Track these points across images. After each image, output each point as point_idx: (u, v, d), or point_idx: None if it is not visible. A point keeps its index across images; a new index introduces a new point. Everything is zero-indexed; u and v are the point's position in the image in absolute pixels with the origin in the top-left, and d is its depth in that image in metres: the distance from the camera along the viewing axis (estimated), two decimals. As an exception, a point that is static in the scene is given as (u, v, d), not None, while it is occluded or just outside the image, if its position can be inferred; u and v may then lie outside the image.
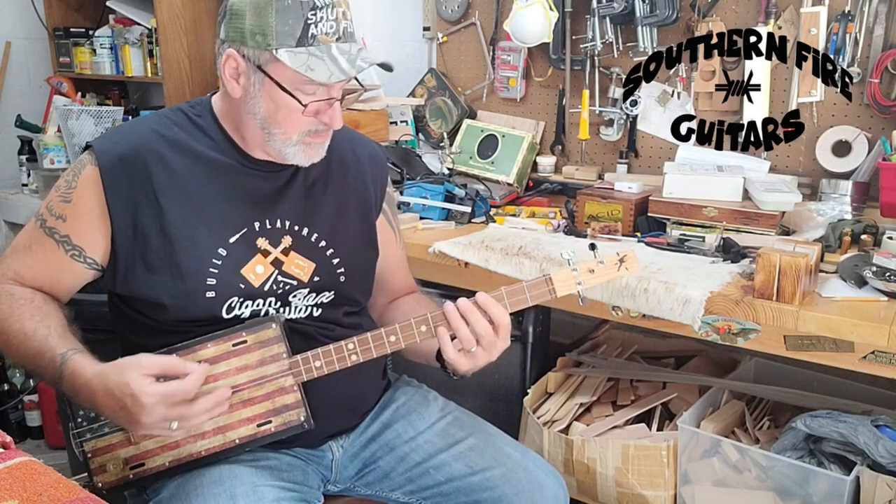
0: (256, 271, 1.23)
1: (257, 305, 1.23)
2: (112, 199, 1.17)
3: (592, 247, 1.19)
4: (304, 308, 1.28)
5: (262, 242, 1.23)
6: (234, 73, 1.16)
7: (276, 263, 1.24)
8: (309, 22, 1.11)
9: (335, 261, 1.30)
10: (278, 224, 1.25)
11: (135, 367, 1.05)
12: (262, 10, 1.11)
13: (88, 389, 1.07)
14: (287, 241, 1.26)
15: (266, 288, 1.23)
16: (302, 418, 1.19)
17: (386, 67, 1.20)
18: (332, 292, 1.30)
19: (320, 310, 1.29)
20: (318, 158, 1.23)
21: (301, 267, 1.26)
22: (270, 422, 1.19)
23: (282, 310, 1.25)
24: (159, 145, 1.21)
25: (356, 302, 1.36)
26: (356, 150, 1.38)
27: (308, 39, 1.11)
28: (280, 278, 1.24)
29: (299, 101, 1.15)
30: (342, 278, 1.31)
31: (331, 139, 1.30)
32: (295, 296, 1.26)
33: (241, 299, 1.22)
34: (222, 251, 1.21)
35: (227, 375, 1.17)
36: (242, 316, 1.22)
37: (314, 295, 1.28)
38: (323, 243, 1.29)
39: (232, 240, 1.21)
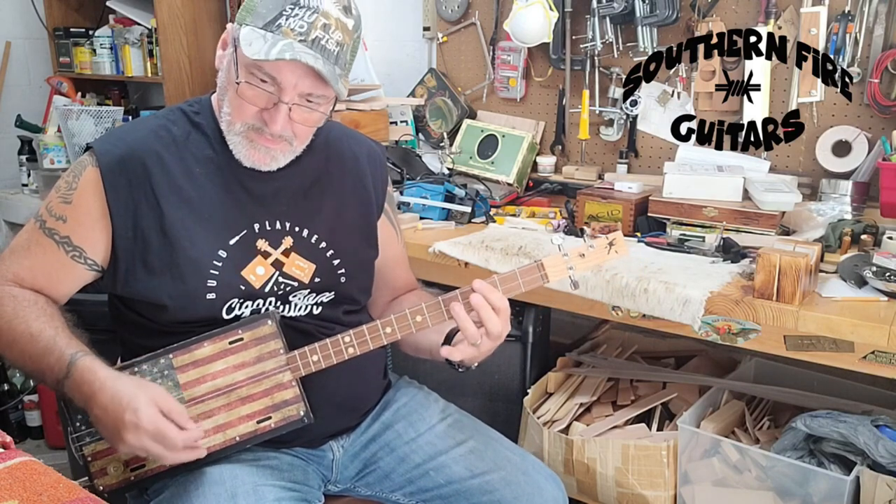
0: (257, 272, 1.22)
1: (258, 306, 1.23)
2: (113, 201, 1.17)
3: (582, 232, 1.20)
4: (304, 307, 1.28)
5: (261, 244, 1.23)
6: (223, 44, 1.20)
7: (277, 265, 1.24)
8: (284, 13, 1.11)
9: (335, 262, 1.30)
10: (278, 225, 1.25)
11: (150, 393, 1.07)
12: None
13: (94, 389, 1.07)
14: (288, 241, 1.25)
15: (267, 289, 1.23)
16: (301, 413, 1.19)
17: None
18: (333, 292, 1.30)
19: (320, 308, 1.29)
20: (264, 165, 1.20)
21: (301, 268, 1.26)
22: (270, 418, 1.19)
23: (282, 308, 1.25)
24: (158, 146, 1.20)
25: (356, 301, 1.36)
26: (354, 149, 1.38)
27: (273, 27, 1.11)
28: (281, 279, 1.24)
29: (237, 76, 1.14)
30: (342, 279, 1.31)
31: (327, 138, 1.30)
32: (295, 295, 1.26)
33: (242, 300, 1.22)
34: (222, 253, 1.20)
35: (225, 373, 1.17)
36: (243, 316, 1.22)
37: (314, 295, 1.28)
38: (323, 244, 1.29)
39: (232, 241, 1.21)
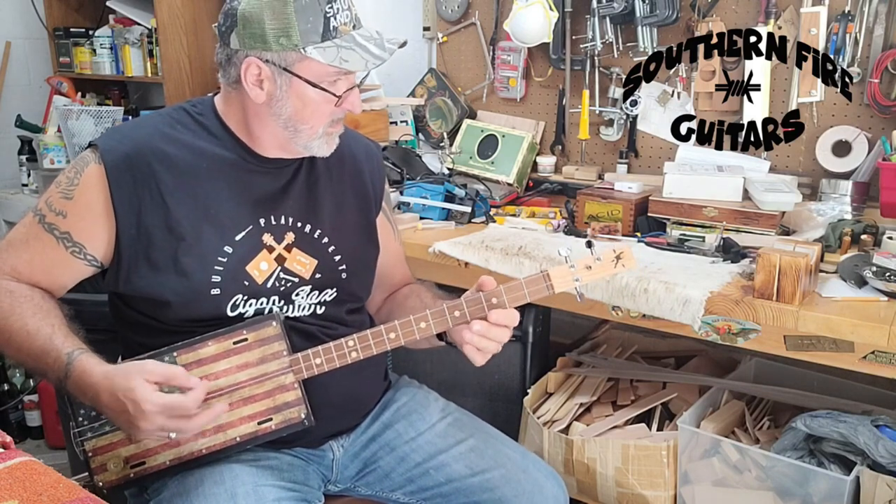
0: (261, 268, 1.23)
1: (261, 304, 1.23)
2: (117, 198, 1.17)
3: (589, 244, 1.20)
4: (307, 307, 1.28)
5: (267, 238, 1.24)
6: (257, 80, 1.17)
7: (279, 260, 1.25)
8: (328, 15, 1.13)
9: (337, 258, 1.30)
10: (282, 220, 1.25)
11: (139, 373, 1.06)
12: (280, 12, 1.12)
13: (95, 390, 1.07)
14: (290, 237, 1.26)
15: (269, 285, 1.23)
16: (302, 416, 1.20)
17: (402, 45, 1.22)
18: (335, 290, 1.30)
19: (323, 308, 1.30)
20: (334, 147, 1.25)
21: (303, 264, 1.26)
22: (271, 419, 1.19)
23: (286, 308, 1.25)
24: (164, 144, 1.20)
25: (358, 298, 1.37)
26: (352, 147, 1.38)
27: (331, 33, 1.14)
28: (282, 275, 1.25)
29: (333, 94, 1.17)
30: (343, 275, 1.31)
31: None
32: (298, 294, 1.26)
33: (246, 297, 1.22)
34: (228, 249, 1.21)
35: (228, 373, 1.17)
36: (246, 315, 1.22)
37: (317, 293, 1.28)
38: (325, 239, 1.29)
39: (238, 237, 1.22)
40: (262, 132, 1.22)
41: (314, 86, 1.16)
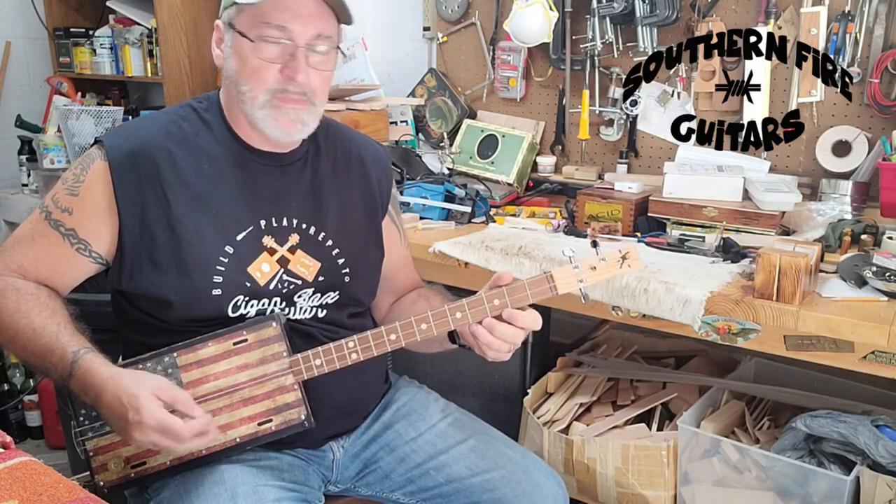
0: (263, 269, 1.23)
1: (262, 305, 1.23)
2: (121, 195, 1.17)
3: (595, 244, 1.18)
4: (308, 309, 1.28)
5: (268, 240, 1.24)
6: (218, 41, 1.22)
7: (282, 262, 1.24)
8: None
9: (341, 261, 1.30)
10: (285, 222, 1.25)
11: (149, 386, 1.06)
12: None
13: (99, 389, 1.07)
14: (294, 239, 1.26)
15: (271, 287, 1.23)
16: (302, 417, 1.20)
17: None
18: (337, 293, 1.30)
19: (325, 311, 1.29)
20: (295, 133, 1.21)
21: (307, 266, 1.26)
22: (271, 420, 1.19)
23: (287, 310, 1.25)
24: (168, 143, 1.21)
25: (360, 303, 1.36)
26: (361, 151, 1.38)
27: None
28: (285, 277, 1.24)
29: (249, 38, 1.15)
30: (347, 279, 1.31)
31: (335, 140, 1.31)
32: (300, 296, 1.26)
33: (247, 298, 1.22)
34: (229, 249, 1.21)
35: (228, 374, 1.17)
36: (248, 315, 1.22)
37: (319, 295, 1.28)
38: (329, 242, 1.29)
39: (239, 237, 1.22)
40: (232, 108, 1.23)
41: (242, 35, 1.15)
